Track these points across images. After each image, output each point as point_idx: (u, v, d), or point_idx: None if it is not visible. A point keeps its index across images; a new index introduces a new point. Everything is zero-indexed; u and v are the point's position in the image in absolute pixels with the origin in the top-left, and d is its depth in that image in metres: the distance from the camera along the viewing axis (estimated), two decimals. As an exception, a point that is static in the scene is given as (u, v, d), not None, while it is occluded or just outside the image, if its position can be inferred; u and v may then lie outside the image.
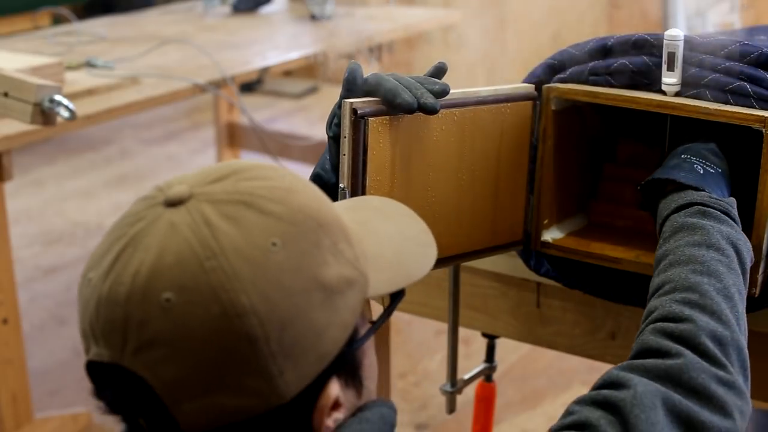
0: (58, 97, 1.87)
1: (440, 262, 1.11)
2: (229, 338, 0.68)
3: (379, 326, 0.79)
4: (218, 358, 0.68)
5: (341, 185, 1.00)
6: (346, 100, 0.99)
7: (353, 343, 0.75)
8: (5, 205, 2.18)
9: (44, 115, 1.89)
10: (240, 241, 0.69)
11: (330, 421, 0.74)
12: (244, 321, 0.68)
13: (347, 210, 0.84)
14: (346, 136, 0.99)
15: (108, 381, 0.71)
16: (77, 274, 3.40)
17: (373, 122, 0.99)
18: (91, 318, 0.71)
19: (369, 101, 1.00)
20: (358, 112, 0.98)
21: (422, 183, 1.07)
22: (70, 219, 3.77)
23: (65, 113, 1.88)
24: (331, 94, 5.25)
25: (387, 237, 0.83)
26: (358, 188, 1.00)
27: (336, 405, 0.74)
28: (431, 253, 0.84)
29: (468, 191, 1.11)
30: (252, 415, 0.69)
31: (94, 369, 0.72)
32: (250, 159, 0.79)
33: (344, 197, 0.99)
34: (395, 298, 0.82)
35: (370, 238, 0.80)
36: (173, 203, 0.71)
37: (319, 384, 0.72)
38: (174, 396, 0.68)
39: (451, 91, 1.04)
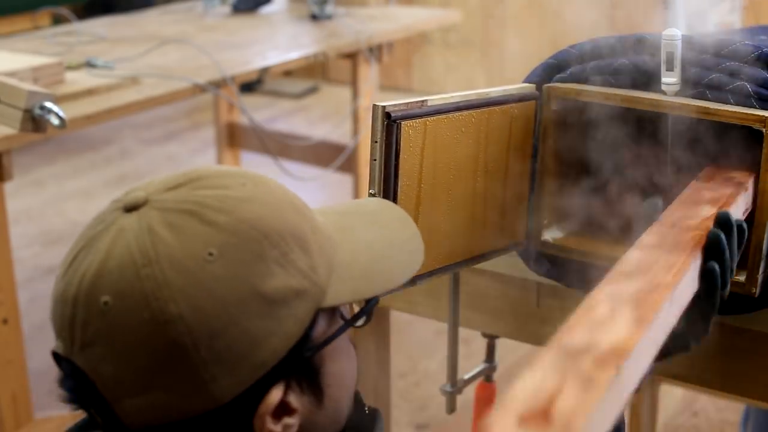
0: (48, 104, 1.87)
1: (455, 266, 1.12)
2: (158, 344, 0.71)
3: (338, 336, 0.79)
4: (151, 361, 0.71)
5: (371, 191, 0.99)
6: (377, 103, 0.98)
7: (303, 350, 0.76)
8: (5, 205, 2.18)
9: (34, 121, 1.90)
10: (176, 251, 0.71)
11: (278, 426, 0.75)
12: (172, 328, 0.70)
13: (337, 214, 0.85)
14: (378, 140, 0.97)
15: (64, 373, 0.76)
16: (77, 274, 3.40)
17: (405, 125, 0.98)
18: (53, 313, 0.76)
19: (400, 104, 0.99)
20: (392, 115, 0.97)
21: (445, 186, 1.06)
22: (70, 219, 3.77)
23: (55, 121, 1.88)
24: (332, 94, 5.25)
25: (366, 244, 0.83)
26: (389, 193, 0.99)
27: (286, 410, 0.76)
28: (416, 260, 0.85)
29: (481, 193, 1.11)
30: (190, 416, 0.72)
31: (56, 359, 0.77)
32: (217, 166, 0.80)
33: None
34: (366, 307, 0.82)
35: (347, 246, 0.81)
36: (129, 208, 0.74)
37: (258, 390, 0.73)
38: (114, 393, 0.72)
39: (466, 92, 1.04)
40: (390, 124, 0.97)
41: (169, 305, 0.70)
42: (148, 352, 0.71)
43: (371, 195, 0.99)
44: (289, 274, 0.74)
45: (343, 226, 0.83)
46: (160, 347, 0.70)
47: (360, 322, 0.83)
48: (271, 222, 0.75)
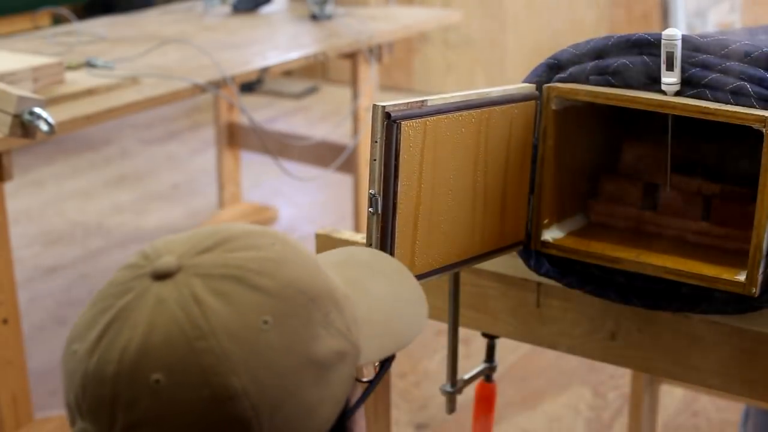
0: (37, 110, 1.87)
1: (456, 266, 1.12)
2: (219, 422, 0.66)
3: (369, 395, 0.78)
4: None
5: (371, 191, 0.98)
6: (377, 103, 0.97)
7: (345, 414, 0.74)
8: (5, 205, 2.18)
9: (24, 127, 1.90)
10: (230, 320, 0.67)
11: None
12: (235, 404, 0.66)
13: (337, 266, 0.82)
14: (377, 140, 0.97)
15: None
16: (77, 274, 3.41)
17: (405, 126, 0.98)
18: (77, 392, 0.69)
19: (400, 104, 0.98)
20: (392, 115, 0.97)
21: (445, 186, 1.06)
22: (70, 219, 3.77)
23: (44, 127, 1.88)
24: (332, 94, 5.25)
25: (378, 298, 0.81)
26: (389, 194, 0.99)
27: None
28: (422, 313, 0.83)
29: (481, 193, 1.11)
30: None
31: None
32: (240, 225, 0.77)
33: (376, 204, 0.98)
34: (385, 364, 0.80)
35: (361, 300, 0.79)
36: (161, 276, 0.69)
37: None
38: None
39: (466, 92, 1.04)
40: (390, 124, 0.97)
41: (231, 379, 0.66)
42: (207, 430, 0.66)
43: (371, 195, 0.99)
44: (332, 336, 0.72)
45: (350, 279, 0.80)
46: (221, 426, 0.66)
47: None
48: (311, 283, 0.72)
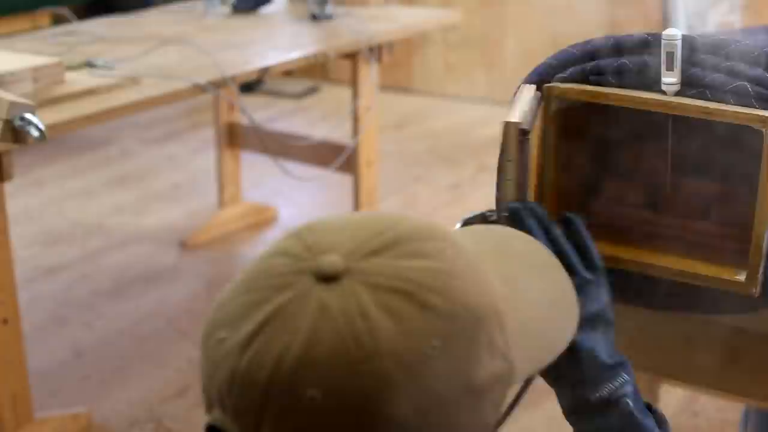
0: (28, 116, 1.88)
1: None
2: None
3: (509, 416, 0.73)
4: None
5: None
6: (509, 120, 0.91)
7: None
8: (5, 205, 2.18)
9: (14, 132, 1.90)
10: (397, 342, 0.63)
11: None
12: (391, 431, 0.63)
13: (494, 256, 0.75)
14: (511, 160, 0.92)
15: None
16: (77, 274, 3.41)
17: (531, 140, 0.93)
18: (222, 386, 0.66)
19: (524, 113, 0.92)
20: (526, 131, 0.90)
21: (552, 202, 1.02)
22: (70, 219, 3.77)
23: (35, 132, 1.88)
24: (332, 94, 5.25)
25: (534, 302, 0.74)
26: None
27: None
28: (573, 316, 0.77)
29: None
30: None
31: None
32: (407, 220, 0.70)
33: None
34: (529, 380, 0.75)
35: (518, 304, 0.72)
36: (326, 278, 0.65)
37: None
38: None
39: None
40: (524, 140, 0.90)
41: (393, 407, 0.62)
42: None
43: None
44: (493, 358, 0.67)
45: (506, 276, 0.73)
46: None
47: None
48: (479, 300, 0.67)
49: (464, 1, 4.98)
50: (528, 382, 0.74)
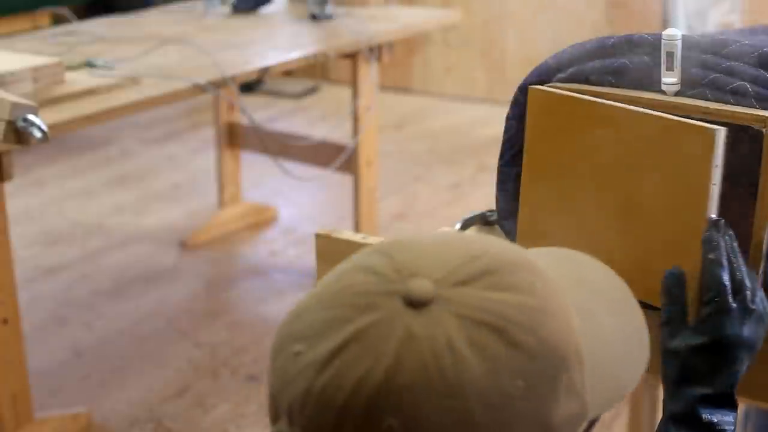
0: (30, 117, 1.88)
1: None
2: None
3: None
4: None
5: (712, 215, 0.97)
6: (710, 126, 0.94)
7: None
8: (5, 205, 2.18)
9: (17, 133, 1.90)
10: (483, 380, 0.61)
11: None
12: None
13: (570, 284, 0.72)
14: (718, 165, 0.96)
15: None
16: (77, 274, 3.41)
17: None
18: (294, 402, 0.64)
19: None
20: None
21: None
22: (70, 219, 3.77)
23: (37, 133, 1.88)
24: (332, 94, 5.25)
25: (608, 339, 0.71)
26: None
27: None
28: (645, 353, 0.75)
29: None
30: None
31: None
32: (498, 247, 0.69)
33: (722, 229, 0.96)
34: (595, 421, 0.72)
35: (595, 342, 0.69)
36: (415, 303, 0.63)
37: None
38: None
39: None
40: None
41: None
42: None
43: (715, 221, 0.95)
44: (570, 399, 0.65)
45: (584, 310, 0.70)
46: None
47: None
48: (564, 339, 0.66)
49: (464, 1, 4.98)
50: (592, 423, 0.72)
